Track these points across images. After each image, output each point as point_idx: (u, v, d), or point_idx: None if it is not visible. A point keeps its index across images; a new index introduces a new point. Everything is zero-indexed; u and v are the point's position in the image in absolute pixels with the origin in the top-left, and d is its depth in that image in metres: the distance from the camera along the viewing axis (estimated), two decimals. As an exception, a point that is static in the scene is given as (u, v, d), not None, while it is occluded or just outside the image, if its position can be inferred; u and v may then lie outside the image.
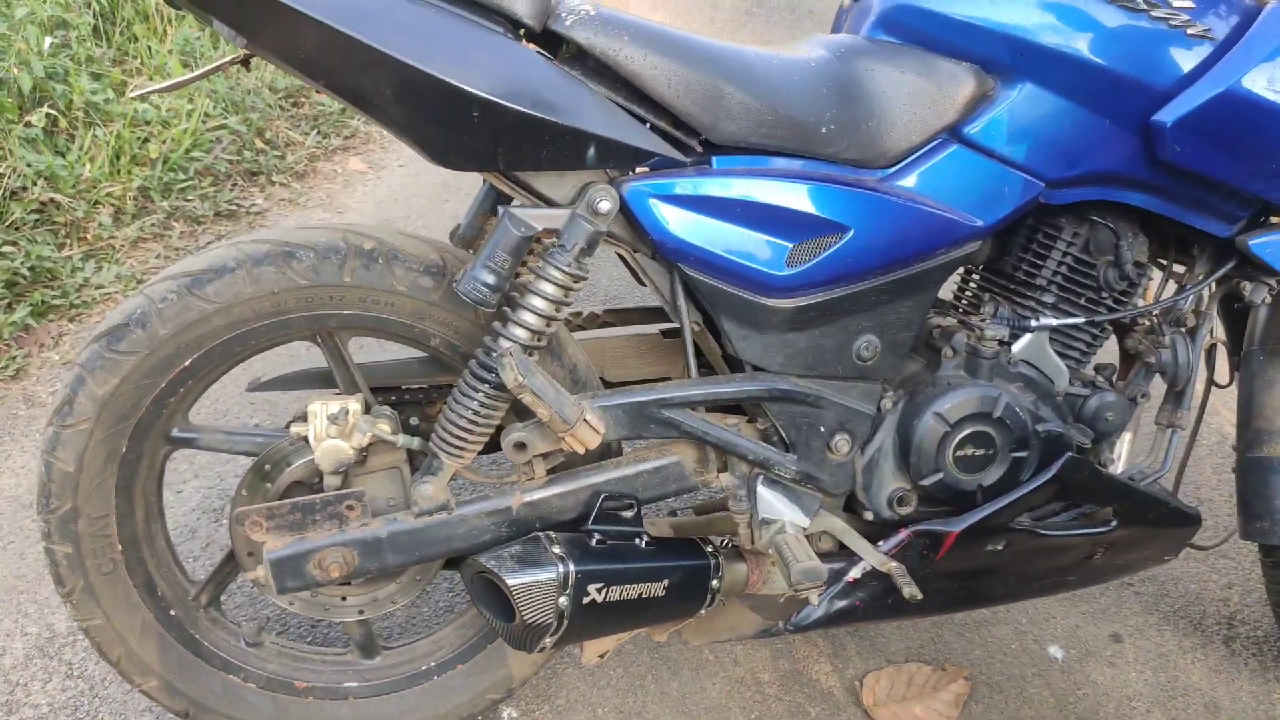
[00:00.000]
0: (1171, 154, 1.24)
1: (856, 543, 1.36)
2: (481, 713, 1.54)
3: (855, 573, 1.38)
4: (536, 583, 1.20)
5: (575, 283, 1.20)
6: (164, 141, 3.27)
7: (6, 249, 2.62)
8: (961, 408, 1.34)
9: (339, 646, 1.54)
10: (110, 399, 1.23)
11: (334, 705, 1.48)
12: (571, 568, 1.22)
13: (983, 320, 1.39)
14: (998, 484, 1.38)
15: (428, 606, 1.85)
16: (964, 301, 1.53)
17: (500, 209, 1.18)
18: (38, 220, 2.82)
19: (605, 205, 1.17)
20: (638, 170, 1.20)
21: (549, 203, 1.20)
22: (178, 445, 1.34)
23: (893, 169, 1.25)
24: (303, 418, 1.29)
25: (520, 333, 1.20)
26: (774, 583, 1.42)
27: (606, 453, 1.39)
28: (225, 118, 3.60)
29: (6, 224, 2.70)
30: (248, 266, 1.21)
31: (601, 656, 1.44)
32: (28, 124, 2.89)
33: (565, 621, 1.23)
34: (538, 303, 1.19)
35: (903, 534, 1.37)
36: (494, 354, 1.20)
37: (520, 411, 1.28)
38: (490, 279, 1.16)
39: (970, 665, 1.78)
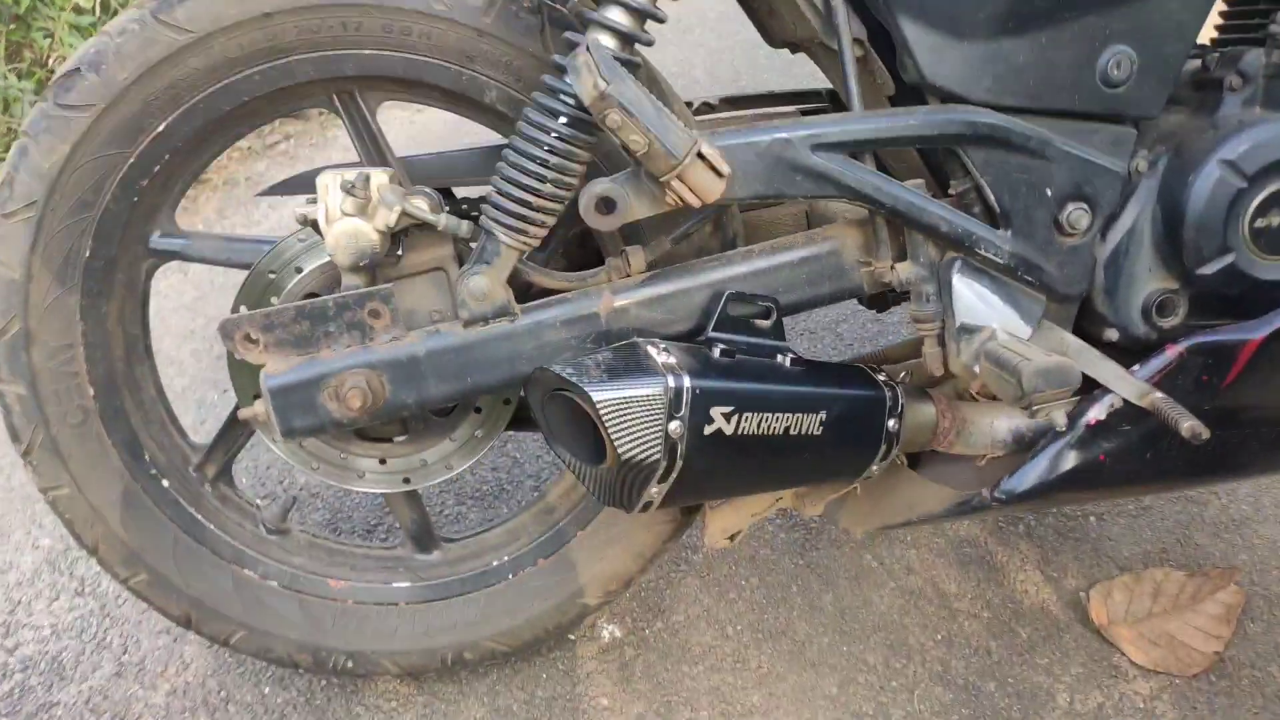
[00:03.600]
0: None
1: (1101, 367, 0.93)
2: (571, 626, 1.16)
3: (1097, 412, 0.94)
4: (636, 398, 0.81)
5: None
6: None
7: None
8: (1264, 152, 0.89)
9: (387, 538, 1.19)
10: (61, 176, 0.92)
11: (379, 612, 1.13)
12: (686, 381, 0.83)
13: (1286, 33, 0.94)
14: (1318, 272, 0.93)
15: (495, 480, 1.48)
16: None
17: None
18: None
19: None
20: None
21: None
22: (162, 258, 1.03)
23: None
24: (313, 200, 0.94)
25: (606, 39, 0.83)
26: (972, 437, 1.00)
27: (728, 246, 1.00)
28: None
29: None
30: (228, -26, 0.87)
31: (732, 539, 1.05)
32: None
33: (679, 461, 0.84)
34: (627, -12, 0.81)
35: (1169, 351, 0.93)
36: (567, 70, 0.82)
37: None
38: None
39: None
